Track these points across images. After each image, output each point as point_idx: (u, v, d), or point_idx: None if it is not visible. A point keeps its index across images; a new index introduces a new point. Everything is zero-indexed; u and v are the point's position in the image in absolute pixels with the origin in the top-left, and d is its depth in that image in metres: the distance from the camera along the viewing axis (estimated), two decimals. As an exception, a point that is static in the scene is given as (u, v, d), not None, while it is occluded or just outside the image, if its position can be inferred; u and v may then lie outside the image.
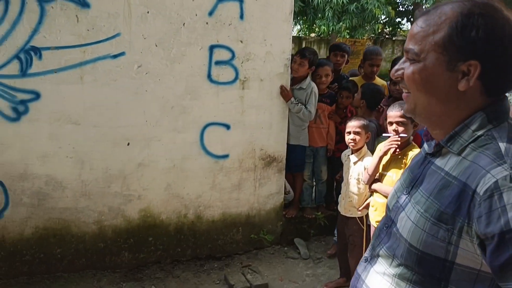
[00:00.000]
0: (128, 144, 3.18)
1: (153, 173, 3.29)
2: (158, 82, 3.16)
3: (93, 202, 3.20)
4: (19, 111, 2.92)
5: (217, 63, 3.26)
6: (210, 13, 3.16)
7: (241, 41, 3.26)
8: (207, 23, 3.16)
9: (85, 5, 2.90)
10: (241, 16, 3.22)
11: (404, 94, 1.02)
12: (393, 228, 1.03)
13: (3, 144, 2.94)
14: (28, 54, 2.86)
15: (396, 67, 1.00)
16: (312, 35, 16.72)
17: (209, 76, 3.25)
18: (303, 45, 13.79)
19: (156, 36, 3.08)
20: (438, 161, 0.98)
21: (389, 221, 1.06)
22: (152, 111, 3.18)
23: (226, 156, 3.44)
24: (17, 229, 3.09)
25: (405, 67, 0.98)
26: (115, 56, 3.03)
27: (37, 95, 2.93)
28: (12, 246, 3.10)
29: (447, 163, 0.95)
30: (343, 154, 3.19)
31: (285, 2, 3.30)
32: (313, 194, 4.06)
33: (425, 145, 1.06)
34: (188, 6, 3.11)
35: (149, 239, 3.38)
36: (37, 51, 2.87)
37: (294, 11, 8.14)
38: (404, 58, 1.00)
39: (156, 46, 3.10)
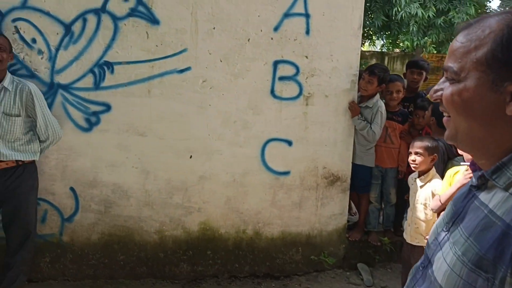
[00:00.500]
0: (191, 156, 3.24)
1: (214, 186, 3.31)
2: (222, 96, 3.18)
3: (155, 212, 3.29)
4: (91, 122, 3.10)
5: (281, 78, 3.22)
6: (276, 29, 3.14)
7: (306, 57, 3.19)
8: (272, 38, 3.14)
9: (155, 22, 3.02)
10: (307, 31, 3.16)
11: (444, 118, 0.89)
12: (429, 270, 0.89)
13: (76, 152, 3.13)
14: (101, 69, 3.03)
15: (436, 87, 0.88)
16: (396, 50, 16.15)
17: (272, 91, 3.22)
18: (386, 61, 13.33)
19: (221, 52, 3.12)
20: (483, 196, 0.83)
21: (426, 261, 0.92)
22: (214, 125, 3.21)
23: (287, 172, 3.36)
24: (85, 233, 3.26)
25: (444, 88, 0.85)
26: (181, 71, 3.11)
27: (108, 107, 3.09)
28: (80, 250, 3.27)
29: (491, 199, 0.80)
30: (410, 177, 2.97)
31: (353, 17, 3.18)
32: (381, 217, 3.84)
33: (473, 177, 0.91)
34: (254, 22, 3.11)
35: (208, 253, 3.39)
36: (110, 65, 3.03)
37: (377, 25, 7.94)
38: (443, 78, 0.87)
39: (221, 61, 3.13)
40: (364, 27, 8.39)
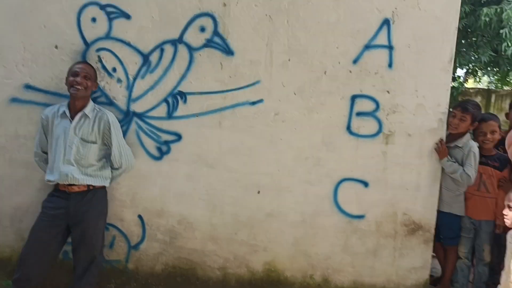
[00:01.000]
0: (259, 192, 3.09)
1: (281, 225, 3.11)
2: (294, 131, 3.02)
3: (219, 247, 3.17)
4: (162, 151, 3.10)
5: (359, 114, 2.98)
6: (355, 61, 2.93)
7: (388, 92, 2.93)
8: (350, 71, 2.94)
9: (230, 52, 2.97)
10: (390, 65, 2.91)
11: None
12: None
13: (146, 180, 3.14)
14: (175, 98, 3.04)
15: None
16: (506, 88, 14.83)
17: (348, 127, 2.99)
18: (493, 99, 12.23)
19: (296, 84, 2.98)
20: None
21: None
22: (285, 160, 3.05)
23: (361, 216, 3.07)
24: (149, 263, 3.22)
25: None
26: (253, 103, 3.01)
27: (179, 137, 3.07)
28: (144, 279, 3.23)
29: None
30: (508, 234, 2.53)
31: (443, 49, 2.87)
32: (471, 276, 3.35)
33: None
34: (332, 54, 2.94)
35: (271, 296, 3.18)
36: (183, 95, 3.03)
37: (484, 61, 7.33)
38: None
39: (295, 94, 2.99)
40: (469, 62, 7.80)
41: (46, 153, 2.95)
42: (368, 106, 2.96)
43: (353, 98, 2.96)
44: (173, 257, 3.20)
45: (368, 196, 3.05)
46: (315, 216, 3.09)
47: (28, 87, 3.11)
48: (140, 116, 3.08)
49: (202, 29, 2.97)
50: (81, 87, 2.76)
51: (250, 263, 3.17)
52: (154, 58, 3.02)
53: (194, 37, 2.98)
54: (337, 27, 2.91)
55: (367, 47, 2.92)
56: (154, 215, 3.17)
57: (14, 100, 3.14)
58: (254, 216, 3.12)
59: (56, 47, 3.06)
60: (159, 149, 3.10)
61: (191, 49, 2.99)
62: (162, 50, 3.01)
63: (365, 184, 3.04)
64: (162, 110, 3.06)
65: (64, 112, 2.85)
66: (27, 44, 3.08)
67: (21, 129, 3.14)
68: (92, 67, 2.91)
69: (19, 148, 3.17)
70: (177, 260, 3.21)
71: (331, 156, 3.03)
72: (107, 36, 3.03)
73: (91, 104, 2.87)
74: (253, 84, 3.00)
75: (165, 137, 3.08)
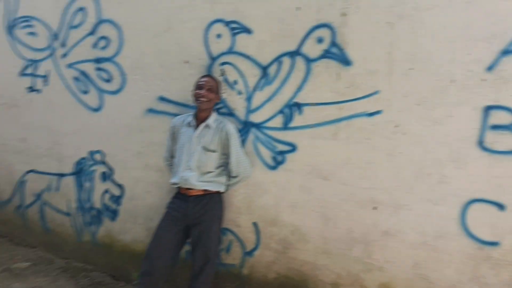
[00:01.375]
0: (375, 208, 2.94)
1: (399, 245, 2.90)
2: (416, 144, 2.80)
3: (332, 261, 3.08)
4: (277, 161, 3.14)
5: (494, 127, 2.64)
6: (489, 68, 2.61)
7: (531, 102, 2.55)
8: (483, 80, 2.63)
9: (347, 63, 2.90)
10: (533, 71, 2.53)
11: None
12: None
13: (261, 189, 3.21)
14: (290, 109, 3.06)
15: None
16: None
17: (480, 142, 2.67)
18: None
19: (418, 95, 2.77)
20: None
21: None
22: (405, 175, 2.85)
23: (495, 243, 2.70)
24: (262, 270, 3.28)
25: None
26: (371, 114, 2.88)
27: (293, 147, 3.09)
28: (257, 286, 3.29)
29: None
30: None
31: None
32: None
33: None
34: (461, 61, 2.66)
35: (386, 320, 2.97)
36: (299, 106, 3.04)
37: None
38: None
39: (418, 105, 2.78)
40: None
41: (174, 158, 3.22)
42: (505, 118, 2.61)
43: (487, 109, 2.64)
44: (286, 267, 3.21)
45: (504, 221, 2.68)
46: (438, 239, 2.82)
47: (162, 99, 3.45)
48: (258, 126, 3.17)
49: (320, 40, 2.96)
50: (205, 99, 2.96)
51: (365, 282, 3.01)
52: (272, 70, 3.10)
53: (311, 49, 2.98)
54: (467, 31, 2.64)
55: (505, 52, 2.58)
56: (268, 223, 3.23)
57: (150, 110, 3.50)
58: (369, 232, 2.97)
59: (186, 62, 3.34)
60: (274, 159, 3.15)
61: (308, 61, 2.99)
62: (280, 62, 3.07)
63: (501, 206, 2.67)
64: (278, 121, 3.11)
65: (190, 121, 3.08)
66: (162, 60, 3.42)
67: (155, 137, 3.48)
68: (216, 80, 3.10)
69: (153, 153, 3.52)
70: (289, 271, 3.21)
71: (459, 173, 2.73)
72: (230, 51, 3.20)
73: (214, 115, 3.06)
74: (371, 94, 2.87)
75: (281, 147, 3.13)
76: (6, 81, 4.16)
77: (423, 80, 2.75)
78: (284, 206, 3.17)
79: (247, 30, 3.15)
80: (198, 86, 3.02)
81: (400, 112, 2.82)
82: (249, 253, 3.31)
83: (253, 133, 3.19)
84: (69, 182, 3.96)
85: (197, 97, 3.00)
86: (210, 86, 3.03)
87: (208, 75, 3.15)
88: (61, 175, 4.00)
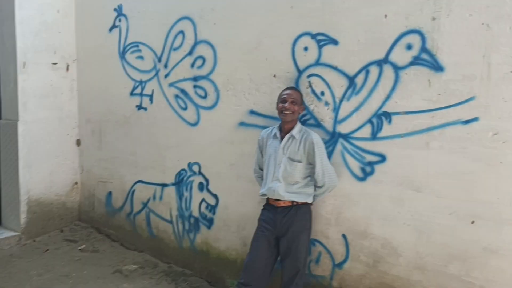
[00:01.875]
0: (473, 222, 2.73)
1: (503, 263, 2.66)
2: (519, 153, 2.57)
3: (427, 278, 2.92)
4: (366, 172, 3.09)
5: None
6: None
7: None
8: None
9: (439, 69, 2.77)
10: None
11: None
12: None
13: (350, 200, 3.17)
14: (379, 119, 3.00)
15: None
16: None
17: None
18: None
19: (521, 99, 2.55)
20: None
21: None
22: (507, 187, 2.61)
23: None
24: (352, 283, 3.22)
25: None
26: (466, 122, 2.71)
27: (383, 158, 3.01)
28: (347, 299, 3.25)
29: None
30: None
31: None
32: None
33: None
34: None
35: None
36: (388, 115, 2.97)
37: None
38: None
39: (520, 110, 2.56)
40: None
41: (262, 169, 3.33)
42: None
43: None
44: (376, 281, 3.11)
45: None
46: (550, 258, 2.54)
47: (252, 112, 3.60)
48: (345, 137, 3.16)
49: (409, 47, 2.87)
50: (289, 112, 3.04)
51: (463, 302, 2.81)
52: (359, 80, 3.07)
53: (400, 56, 2.90)
54: None
55: None
56: (357, 235, 3.17)
57: (242, 123, 3.67)
58: (467, 248, 2.76)
59: (274, 76, 3.46)
60: (363, 169, 3.10)
61: (396, 68, 2.92)
62: (367, 72, 3.03)
63: None
64: (366, 131, 3.06)
65: (275, 133, 3.18)
66: (252, 75, 3.58)
67: (246, 149, 3.64)
68: (299, 91, 3.17)
69: (244, 165, 3.67)
70: (380, 285, 3.10)
71: None
72: (317, 63, 3.25)
73: (298, 126, 3.12)
74: (467, 101, 2.70)
75: (369, 158, 3.07)
76: (119, 101, 4.66)
77: (526, 83, 2.53)
78: (374, 218, 3.09)
79: (334, 41, 3.17)
80: (282, 100, 3.11)
81: (499, 119, 2.61)
82: (339, 265, 3.27)
83: (340, 144, 3.18)
84: (171, 192, 4.29)
85: (281, 110, 3.09)
86: (293, 98, 3.09)
87: (291, 87, 3.22)
88: (164, 185, 4.34)
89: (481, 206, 2.70)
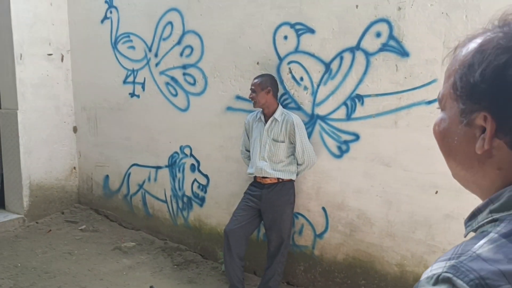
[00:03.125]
0: (436, 192, 3.05)
1: (461, 227, 2.97)
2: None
3: (397, 244, 3.25)
4: (342, 150, 3.39)
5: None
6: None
7: None
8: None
9: (405, 54, 3.05)
10: None
11: None
12: None
13: (328, 176, 3.48)
14: (353, 101, 3.29)
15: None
16: None
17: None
18: None
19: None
20: None
21: None
22: (465, 160, 2.93)
23: None
24: (332, 252, 3.55)
25: None
26: (429, 102, 3.01)
27: (357, 137, 3.31)
28: (328, 266, 3.58)
29: None
30: None
31: None
32: None
33: None
34: None
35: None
36: (360, 98, 3.25)
37: None
38: None
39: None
40: None
41: (248, 150, 3.62)
42: None
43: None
44: (353, 248, 3.44)
45: None
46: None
47: (238, 97, 3.87)
48: (323, 118, 3.44)
49: (378, 35, 3.14)
50: (252, 101, 3.35)
51: (429, 263, 3.14)
52: (334, 66, 3.35)
53: (370, 43, 3.18)
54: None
55: None
56: (335, 208, 3.48)
57: (229, 108, 3.94)
58: (431, 216, 3.09)
59: (257, 63, 3.72)
60: (339, 148, 3.40)
61: (367, 55, 3.20)
62: (341, 58, 3.31)
63: None
64: (341, 113, 3.35)
65: (260, 117, 3.46)
66: (237, 63, 3.84)
67: (233, 132, 3.92)
68: (262, 76, 3.40)
69: (232, 146, 3.96)
70: (356, 252, 3.44)
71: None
72: (296, 50, 3.51)
73: (280, 109, 3.40)
74: (429, 83, 2.99)
75: (345, 137, 3.36)
76: (112, 89, 4.90)
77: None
78: (350, 191, 3.40)
79: (311, 30, 3.43)
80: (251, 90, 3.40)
81: (458, 99, 2.90)
82: (320, 236, 3.60)
83: (319, 125, 3.47)
84: (165, 174, 4.57)
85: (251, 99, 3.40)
86: (253, 87, 3.36)
87: (257, 76, 3.45)
88: (158, 167, 4.63)
89: (442, 178, 3.01)
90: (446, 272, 0.57)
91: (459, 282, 0.55)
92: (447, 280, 0.56)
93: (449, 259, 0.58)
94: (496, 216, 0.63)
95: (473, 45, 0.66)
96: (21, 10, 4.73)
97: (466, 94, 0.65)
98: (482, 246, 0.58)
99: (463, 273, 0.55)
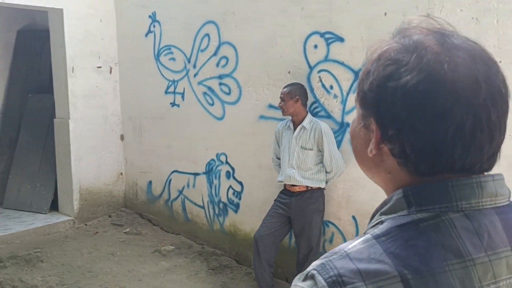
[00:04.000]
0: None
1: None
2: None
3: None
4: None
5: None
6: None
7: None
8: None
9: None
10: None
11: None
12: None
13: (358, 184, 3.46)
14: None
15: None
16: None
17: None
18: None
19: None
20: None
21: None
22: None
23: None
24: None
25: None
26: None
27: (386, 145, 3.27)
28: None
29: None
30: None
31: None
32: None
33: None
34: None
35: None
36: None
37: None
38: None
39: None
40: None
41: (279, 158, 3.68)
42: None
43: None
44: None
45: None
46: None
47: (270, 106, 3.95)
48: (352, 126, 3.43)
49: (407, 42, 3.11)
50: (281, 109, 3.41)
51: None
52: (363, 73, 3.34)
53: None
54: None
55: None
56: (365, 217, 3.45)
57: (261, 117, 4.03)
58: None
59: (289, 72, 3.79)
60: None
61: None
62: (371, 66, 3.29)
63: None
64: (370, 121, 3.33)
65: (289, 125, 3.52)
66: (269, 72, 3.93)
67: (266, 140, 4.00)
68: (291, 85, 3.45)
69: (265, 154, 4.03)
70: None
71: None
72: (326, 59, 3.55)
73: (308, 117, 3.44)
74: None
75: (374, 145, 3.33)
76: (155, 99, 5.14)
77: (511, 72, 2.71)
78: (379, 200, 3.33)
79: (340, 39, 3.45)
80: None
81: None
82: (350, 244, 3.57)
83: (348, 133, 3.46)
84: (202, 180, 4.72)
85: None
86: (282, 95, 3.42)
87: (286, 85, 3.50)
88: (196, 174, 4.79)
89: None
90: (314, 269, 0.61)
91: (319, 278, 0.59)
92: (311, 277, 0.60)
93: (325, 257, 0.62)
94: (383, 218, 0.66)
95: (376, 53, 0.69)
96: (73, 26, 5.10)
97: (360, 100, 0.70)
98: (354, 246, 0.61)
99: (326, 270, 0.59)
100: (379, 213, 0.68)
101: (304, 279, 0.61)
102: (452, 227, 0.61)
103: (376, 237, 0.62)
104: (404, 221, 0.63)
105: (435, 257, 0.59)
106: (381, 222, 0.65)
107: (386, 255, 0.59)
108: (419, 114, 0.61)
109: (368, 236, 0.63)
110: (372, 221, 0.69)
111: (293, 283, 0.63)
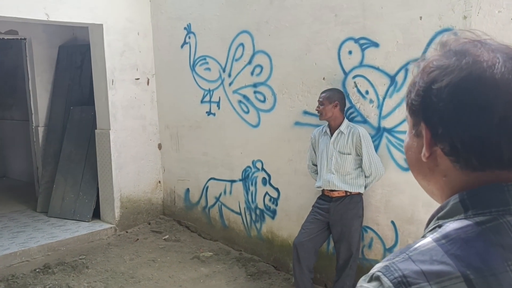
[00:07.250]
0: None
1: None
2: None
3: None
4: (409, 162, 3.34)
5: None
6: None
7: None
8: None
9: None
10: None
11: None
12: None
13: (396, 189, 3.44)
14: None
15: None
16: None
17: None
18: None
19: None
20: None
21: None
22: None
23: None
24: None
25: None
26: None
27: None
28: None
29: None
30: None
31: None
32: None
33: None
34: None
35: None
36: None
37: None
38: None
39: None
40: None
41: (315, 164, 3.70)
42: None
43: None
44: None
45: None
46: None
47: (305, 112, 3.99)
48: (389, 131, 3.43)
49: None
50: (319, 113, 3.42)
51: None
52: (399, 78, 3.34)
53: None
54: None
55: None
56: (405, 221, 3.43)
57: (297, 123, 4.07)
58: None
59: (323, 78, 3.82)
60: (406, 161, 3.35)
61: (433, 65, 3.14)
62: (406, 70, 3.29)
63: None
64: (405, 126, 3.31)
65: (326, 130, 3.54)
66: (304, 79, 3.97)
67: (301, 146, 4.03)
68: (329, 90, 3.47)
69: (301, 160, 4.07)
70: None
71: None
72: (360, 64, 3.56)
73: (345, 122, 3.45)
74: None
75: (412, 149, 3.31)
76: (191, 108, 5.27)
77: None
78: (419, 205, 3.33)
79: (375, 44, 3.46)
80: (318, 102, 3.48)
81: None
82: (389, 250, 3.55)
83: (385, 138, 3.46)
84: (239, 187, 4.79)
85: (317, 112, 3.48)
86: (321, 100, 3.44)
87: (326, 90, 3.53)
88: (233, 181, 4.86)
89: None
90: (378, 271, 0.64)
91: (385, 279, 0.62)
92: (377, 278, 0.64)
93: (387, 260, 0.66)
94: (440, 222, 0.69)
95: (421, 64, 0.74)
96: (112, 40, 5.30)
97: (409, 109, 0.74)
98: (416, 249, 0.65)
99: (390, 272, 0.63)
100: (436, 218, 0.71)
101: (370, 281, 0.65)
102: (510, 229, 0.64)
103: (436, 240, 0.65)
104: (462, 224, 0.66)
105: (495, 257, 0.62)
106: (439, 226, 0.68)
107: (448, 256, 0.62)
108: (464, 109, 0.66)
109: (428, 239, 0.66)
110: (430, 225, 0.72)
111: (358, 284, 0.67)
